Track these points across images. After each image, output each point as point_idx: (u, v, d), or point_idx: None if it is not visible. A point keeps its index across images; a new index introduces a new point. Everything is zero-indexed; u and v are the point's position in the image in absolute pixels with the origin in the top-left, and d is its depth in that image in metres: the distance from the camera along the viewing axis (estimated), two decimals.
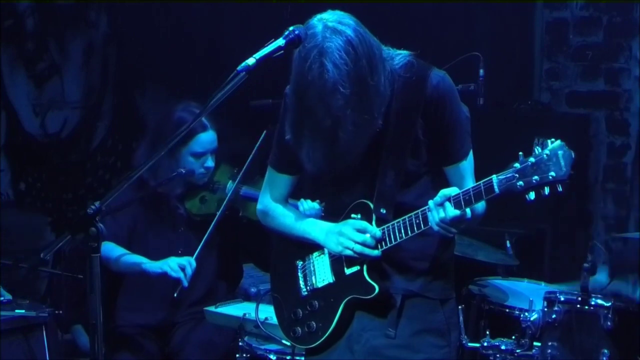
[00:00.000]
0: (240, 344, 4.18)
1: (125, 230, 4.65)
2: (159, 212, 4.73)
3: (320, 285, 3.33)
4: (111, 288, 4.76)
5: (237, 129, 5.35)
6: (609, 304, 4.27)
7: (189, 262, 4.45)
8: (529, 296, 4.42)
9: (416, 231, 3.12)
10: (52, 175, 6.20)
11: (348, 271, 3.26)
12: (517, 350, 4.29)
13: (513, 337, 4.33)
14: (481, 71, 4.56)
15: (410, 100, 3.11)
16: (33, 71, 6.09)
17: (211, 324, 4.53)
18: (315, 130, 2.97)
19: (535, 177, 2.87)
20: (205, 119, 4.52)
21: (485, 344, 4.31)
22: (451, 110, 3.15)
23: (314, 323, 3.31)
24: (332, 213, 3.35)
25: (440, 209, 3.03)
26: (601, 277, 5.08)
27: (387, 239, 3.17)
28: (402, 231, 3.14)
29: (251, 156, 4.57)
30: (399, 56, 3.13)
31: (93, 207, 2.89)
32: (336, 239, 3.24)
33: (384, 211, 3.18)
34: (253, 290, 5.06)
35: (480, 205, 3.10)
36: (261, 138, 4.48)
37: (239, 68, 2.87)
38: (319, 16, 3.01)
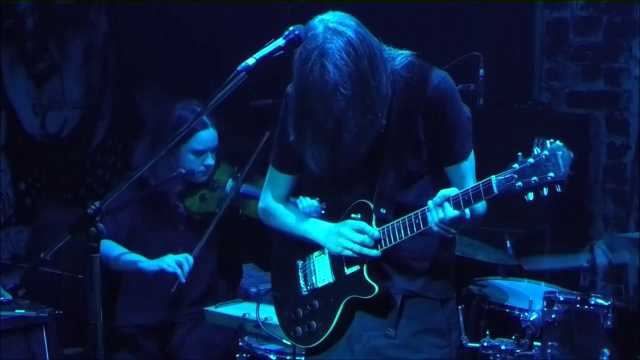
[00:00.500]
0: (240, 344, 4.19)
1: (125, 230, 4.66)
2: (159, 211, 4.73)
3: (320, 285, 3.33)
4: (111, 288, 4.76)
5: (237, 128, 5.35)
6: (609, 303, 4.28)
7: (186, 259, 4.46)
8: (529, 296, 4.42)
9: (415, 231, 3.12)
10: (52, 175, 6.19)
11: (348, 271, 3.27)
12: (517, 350, 4.29)
13: (513, 337, 4.34)
14: (481, 71, 4.57)
15: (411, 100, 3.12)
16: (33, 71, 6.08)
17: (211, 324, 4.53)
18: (318, 132, 2.97)
19: (534, 177, 2.87)
20: (206, 117, 4.53)
21: (485, 344, 4.32)
22: (452, 111, 3.15)
23: (314, 323, 3.31)
24: (333, 213, 3.35)
25: (440, 210, 3.03)
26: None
27: (387, 239, 3.17)
28: (402, 231, 3.14)
29: (253, 158, 4.56)
30: (400, 56, 3.14)
31: (93, 207, 2.89)
32: (335, 240, 3.24)
33: (384, 211, 3.18)
34: (253, 290, 5.06)
35: (481, 206, 3.10)
36: (264, 140, 4.48)
37: (239, 68, 2.87)
38: (319, 17, 3.01)
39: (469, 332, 4.48)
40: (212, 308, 4.47)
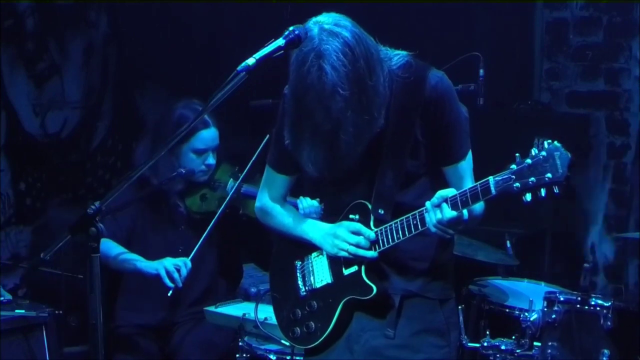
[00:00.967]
0: (240, 344, 4.19)
1: (125, 229, 4.66)
2: (159, 210, 4.73)
3: (318, 285, 3.33)
4: (111, 288, 4.76)
5: (238, 128, 5.35)
6: (609, 304, 4.28)
7: (185, 263, 4.45)
8: (529, 296, 4.42)
9: (413, 232, 3.12)
10: (52, 175, 6.19)
11: (346, 272, 3.27)
12: (517, 350, 4.29)
13: (513, 337, 4.34)
14: (481, 71, 4.57)
15: (408, 100, 3.11)
16: (33, 71, 6.08)
17: (211, 324, 4.53)
18: (316, 134, 2.97)
19: (532, 178, 2.88)
20: (207, 116, 4.53)
21: (485, 344, 4.32)
22: (450, 111, 3.15)
23: (312, 323, 3.31)
24: (331, 213, 3.35)
25: (438, 210, 3.03)
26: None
27: (385, 239, 3.17)
28: (400, 232, 3.14)
29: (253, 158, 4.57)
30: (397, 57, 3.13)
31: (93, 207, 2.89)
32: (331, 241, 3.25)
33: (382, 212, 3.18)
34: (253, 290, 5.06)
35: (479, 206, 3.10)
36: (264, 141, 4.48)
37: (239, 68, 2.87)
38: (314, 19, 3.00)
39: (469, 332, 4.48)
40: (212, 308, 4.47)
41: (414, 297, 3.26)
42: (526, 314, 4.36)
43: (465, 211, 3.01)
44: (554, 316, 4.32)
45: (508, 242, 5.18)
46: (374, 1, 5.93)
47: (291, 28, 2.95)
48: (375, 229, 3.19)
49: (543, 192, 2.88)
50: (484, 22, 6.55)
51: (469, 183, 3.13)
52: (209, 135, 4.63)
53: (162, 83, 6.45)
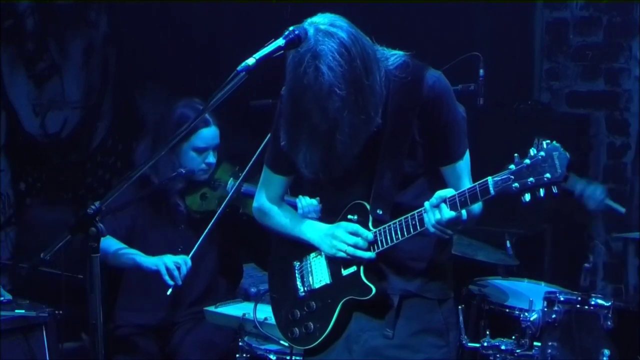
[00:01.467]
0: (240, 344, 4.19)
1: (125, 228, 4.66)
2: (159, 209, 4.73)
3: (317, 286, 3.33)
4: (111, 288, 4.76)
5: (238, 128, 5.35)
6: (609, 304, 4.28)
7: (185, 261, 4.45)
8: (529, 296, 4.42)
9: (412, 232, 3.12)
10: (52, 175, 6.19)
11: (345, 272, 3.27)
12: (517, 350, 4.29)
13: (513, 337, 4.34)
14: (481, 71, 4.56)
15: (406, 100, 3.11)
16: (33, 71, 6.08)
17: (211, 324, 4.53)
18: (313, 135, 2.97)
19: (531, 178, 2.88)
20: (208, 115, 4.53)
21: (485, 344, 4.32)
22: (447, 111, 3.15)
23: (311, 324, 3.31)
24: (330, 213, 3.35)
25: (436, 211, 3.03)
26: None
27: (383, 240, 3.17)
28: (399, 232, 3.14)
29: (254, 158, 4.56)
30: (394, 57, 3.13)
31: (93, 207, 2.89)
32: (329, 242, 3.25)
33: (381, 212, 3.18)
34: (253, 290, 5.06)
35: (477, 206, 3.10)
36: (264, 142, 4.47)
37: (239, 68, 2.87)
38: (309, 20, 3.00)
39: (469, 332, 4.48)
40: (212, 308, 4.47)
41: (412, 297, 3.26)
42: (526, 314, 4.36)
43: (464, 211, 3.02)
44: (554, 316, 4.32)
45: (508, 242, 5.18)
46: (374, 1, 5.93)
47: (291, 28, 2.95)
48: (374, 230, 3.19)
49: (542, 192, 2.88)
50: (484, 22, 6.55)
51: (466, 183, 3.13)
52: (209, 133, 4.63)
53: (162, 83, 6.45)
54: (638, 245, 5.76)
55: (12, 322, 4.44)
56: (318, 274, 3.34)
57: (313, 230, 3.34)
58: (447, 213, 3.01)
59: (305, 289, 3.36)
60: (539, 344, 4.31)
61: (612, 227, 6.50)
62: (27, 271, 5.40)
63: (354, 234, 3.20)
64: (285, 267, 3.43)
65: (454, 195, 3.01)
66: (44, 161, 6.16)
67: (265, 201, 3.46)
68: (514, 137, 5.44)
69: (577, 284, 4.89)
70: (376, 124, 3.02)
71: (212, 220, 4.54)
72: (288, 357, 4.02)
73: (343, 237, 3.22)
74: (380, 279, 3.23)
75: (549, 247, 6.34)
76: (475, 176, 3.18)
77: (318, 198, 4.13)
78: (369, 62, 2.97)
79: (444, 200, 3.02)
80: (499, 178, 2.93)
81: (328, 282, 3.31)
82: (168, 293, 4.46)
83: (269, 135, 4.42)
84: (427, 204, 3.06)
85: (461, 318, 4.27)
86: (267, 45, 2.92)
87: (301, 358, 3.71)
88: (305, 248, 3.37)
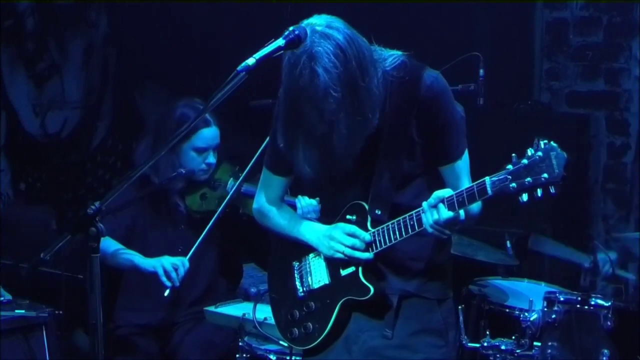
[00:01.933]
0: (240, 344, 4.19)
1: (124, 228, 4.66)
2: (159, 209, 4.74)
3: (316, 286, 3.34)
4: (111, 288, 4.76)
5: (238, 128, 5.35)
6: (609, 304, 4.28)
7: (182, 263, 4.45)
8: (529, 296, 4.42)
9: (410, 233, 3.12)
10: (52, 175, 6.20)
11: (344, 272, 3.27)
12: (517, 350, 4.29)
13: (513, 337, 4.34)
14: (481, 71, 4.56)
15: (404, 101, 3.11)
16: (33, 71, 6.09)
17: (211, 324, 4.53)
18: (309, 136, 2.98)
19: (528, 178, 2.88)
20: (208, 115, 4.53)
21: (485, 344, 4.32)
22: (445, 110, 3.15)
23: (310, 324, 3.31)
24: (329, 213, 3.35)
25: (434, 211, 3.03)
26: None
27: (382, 240, 3.17)
28: (397, 233, 3.14)
29: (253, 159, 4.56)
30: (392, 57, 3.13)
31: (93, 207, 2.89)
32: (327, 243, 3.25)
33: (379, 212, 3.18)
34: (253, 290, 5.06)
35: (476, 206, 3.10)
36: (265, 143, 4.47)
37: (239, 68, 2.87)
38: (306, 21, 3.00)
39: (469, 332, 4.48)
40: (212, 308, 4.47)
41: (411, 297, 3.26)
42: (526, 314, 4.36)
43: (461, 211, 3.02)
44: (554, 316, 4.32)
45: (508, 242, 5.18)
46: (374, 1, 5.93)
47: (291, 28, 2.95)
48: (372, 230, 3.20)
49: (539, 192, 2.88)
50: (484, 22, 6.55)
51: (465, 182, 3.13)
52: (209, 133, 4.64)
53: (162, 83, 6.46)
54: (638, 245, 5.75)
55: (12, 322, 4.44)
56: (317, 274, 3.34)
57: (311, 231, 3.34)
58: (445, 213, 3.01)
59: (305, 289, 3.36)
60: (539, 344, 4.31)
61: (612, 228, 6.51)
62: (27, 271, 5.40)
63: (352, 235, 3.21)
64: (284, 267, 3.43)
65: (452, 196, 3.01)
66: (44, 161, 6.17)
67: (264, 202, 3.46)
68: (514, 137, 5.43)
69: (577, 284, 4.89)
70: (373, 125, 3.02)
71: (212, 221, 4.54)
72: (288, 358, 4.02)
73: (340, 238, 3.22)
74: (379, 279, 3.23)
75: None
76: (475, 176, 3.18)
77: (318, 198, 4.13)
78: (365, 63, 2.96)
79: (442, 201, 3.02)
80: (497, 178, 2.94)
81: (327, 282, 3.31)
82: (165, 294, 4.47)
83: (267, 139, 4.44)
84: (425, 204, 3.06)
85: (461, 318, 4.27)
86: (267, 45, 2.92)
87: (300, 358, 3.71)
88: (305, 248, 3.37)
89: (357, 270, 3.23)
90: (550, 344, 4.30)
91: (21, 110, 6.05)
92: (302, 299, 3.36)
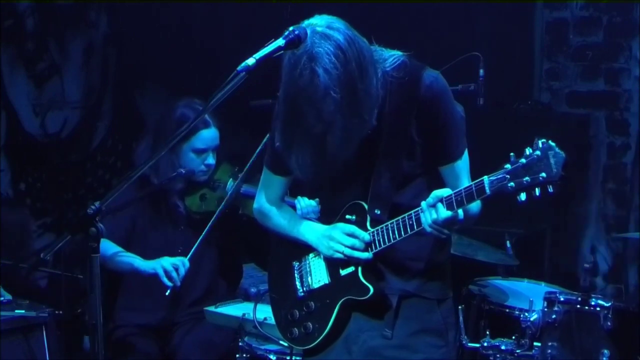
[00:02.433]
0: (240, 344, 4.19)
1: (124, 229, 4.66)
2: (159, 210, 4.74)
3: (316, 286, 3.34)
4: (111, 288, 4.76)
5: (237, 128, 5.35)
6: (609, 304, 4.28)
7: (182, 263, 4.46)
8: (529, 296, 4.42)
9: (409, 232, 3.12)
10: (52, 175, 6.20)
11: (343, 272, 3.27)
12: (517, 350, 4.29)
13: (513, 337, 4.34)
14: (481, 71, 4.56)
15: (403, 101, 3.11)
16: (33, 71, 6.09)
17: (211, 324, 4.53)
18: (306, 136, 2.98)
19: (527, 178, 2.88)
20: (208, 116, 4.53)
21: (485, 344, 4.32)
22: (445, 110, 3.15)
23: (310, 324, 3.32)
24: (329, 213, 3.36)
25: (433, 210, 3.03)
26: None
27: (381, 240, 3.18)
28: (396, 232, 3.14)
29: (252, 159, 4.56)
30: (392, 57, 3.13)
31: (93, 207, 2.89)
32: (326, 243, 3.26)
33: (379, 212, 3.18)
34: (253, 290, 5.06)
35: (475, 206, 3.10)
36: (263, 142, 4.47)
37: (239, 68, 2.87)
38: (306, 22, 3.00)
39: (469, 332, 4.48)
40: (212, 308, 4.47)
41: (411, 297, 3.26)
42: (526, 314, 4.36)
43: (460, 211, 3.02)
44: (554, 316, 4.32)
45: (508, 242, 5.18)
46: (374, 1, 5.93)
47: (291, 28, 2.95)
48: (372, 230, 3.20)
49: (537, 191, 2.88)
50: (484, 22, 6.55)
51: (465, 182, 3.13)
52: (209, 135, 4.64)
53: (162, 83, 6.46)
54: (638, 245, 5.76)
55: (12, 322, 4.44)
56: (317, 274, 3.34)
57: (311, 232, 3.34)
58: (444, 213, 3.01)
59: (304, 289, 3.36)
60: (539, 344, 4.31)
61: (612, 228, 6.51)
62: (27, 271, 5.40)
63: (351, 235, 3.21)
64: (284, 267, 3.44)
65: (451, 195, 3.01)
66: (44, 161, 6.17)
67: (265, 202, 3.46)
68: (514, 137, 5.43)
69: (577, 284, 4.89)
70: (370, 126, 3.02)
71: (211, 221, 4.54)
72: (288, 358, 4.02)
73: (340, 238, 3.22)
74: (379, 279, 3.23)
75: (549, 247, 6.34)
76: (475, 176, 3.17)
77: (317, 199, 4.13)
78: (365, 64, 2.96)
79: (441, 200, 3.02)
80: (495, 177, 2.94)
81: (327, 282, 3.31)
82: (167, 294, 4.47)
83: (266, 137, 4.44)
84: (423, 203, 3.06)
85: (461, 318, 4.27)
86: (267, 45, 2.92)
87: (301, 358, 3.71)
88: (304, 248, 3.37)
89: (356, 270, 3.23)
90: (550, 344, 4.30)
91: (21, 110, 6.05)
92: (302, 299, 3.36)
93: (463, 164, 3.20)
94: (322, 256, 3.33)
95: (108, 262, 4.51)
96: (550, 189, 2.87)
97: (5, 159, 5.96)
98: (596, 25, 6.61)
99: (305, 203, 4.41)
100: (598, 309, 4.29)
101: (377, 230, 3.18)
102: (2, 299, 4.57)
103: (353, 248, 3.20)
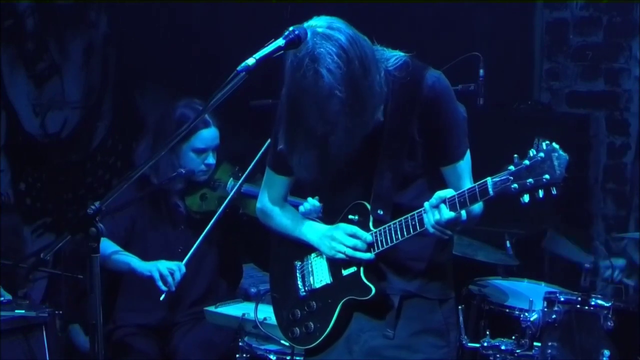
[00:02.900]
0: (240, 344, 4.19)
1: (123, 228, 4.66)
2: (159, 209, 4.74)
3: (318, 286, 3.34)
4: (110, 288, 4.76)
5: (238, 128, 5.35)
6: (609, 304, 4.28)
7: (179, 267, 4.45)
8: (529, 296, 4.42)
9: (412, 233, 3.12)
10: (52, 175, 6.20)
11: (345, 272, 3.27)
12: (517, 351, 4.29)
13: (513, 337, 4.34)
14: (481, 71, 4.55)
15: (406, 101, 3.11)
16: (33, 71, 6.09)
17: (211, 324, 4.53)
18: (309, 137, 2.98)
19: (530, 179, 2.88)
20: (208, 116, 4.53)
21: (485, 344, 4.32)
22: (447, 110, 3.15)
23: (311, 324, 3.32)
24: (331, 213, 3.35)
25: (436, 211, 3.03)
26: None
27: (383, 240, 3.17)
28: (398, 233, 3.14)
29: (254, 161, 4.56)
30: (394, 57, 3.13)
31: (93, 207, 2.89)
32: (328, 243, 3.26)
33: (382, 212, 3.18)
34: (253, 290, 5.06)
35: (477, 207, 3.10)
36: (266, 145, 4.46)
37: (239, 68, 2.87)
38: (306, 24, 3.00)
39: (469, 332, 4.48)
40: (212, 308, 4.47)
41: (413, 297, 3.26)
42: (526, 314, 4.36)
43: (463, 212, 3.02)
44: (554, 316, 4.32)
45: (508, 242, 5.18)
46: (374, 1, 5.93)
47: (291, 28, 2.95)
48: (374, 230, 3.20)
49: (541, 193, 2.88)
50: (484, 22, 6.55)
51: (467, 183, 3.13)
52: (209, 134, 4.64)
53: (162, 83, 6.46)
54: (638, 245, 5.75)
55: (12, 322, 4.44)
56: (319, 274, 3.34)
57: (313, 232, 3.34)
58: (447, 213, 3.01)
59: (306, 288, 3.36)
60: (539, 344, 4.31)
61: (612, 228, 6.51)
62: (27, 271, 5.40)
63: (353, 235, 3.21)
64: (286, 266, 3.44)
65: (454, 196, 3.01)
66: (44, 161, 6.17)
67: (267, 202, 3.46)
68: (514, 137, 5.43)
69: (577, 284, 4.88)
70: (372, 125, 3.02)
71: (212, 221, 4.54)
72: (288, 357, 4.02)
73: (341, 238, 3.22)
74: (380, 279, 3.23)
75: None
76: (475, 176, 3.18)
77: (317, 197, 4.13)
78: (367, 63, 2.96)
79: (444, 201, 3.02)
80: (498, 179, 2.94)
81: (328, 282, 3.31)
82: (161, 299, 4.47)
83: (268, 141, 4.44)
84: (426, 204, 3.06)
85: (461, 318, 4.27)
86: (267, 45, 2.92)
87: (302, 358, 3.71)
88: (307, 248, 3.37)
89: (358, 270, 3.23)
90: (550, 344, 4.30)
91: (21, 110, 6.05)
92: (304, 299, 3.36)
93: (465, 165, 3.20)
94: (324, 256, 3.33)
95: (106, 262, 4.51)
96: (554, 191, 2.87)
97: (5, 159, 5.96)
98: (596, 25, 6.61)
99: (309, 204, 4.40)
100: (598, 309, 4.29)
101: (380, 230, 3.18)
102: (2, 299, 4.56)
103: (355, 249, 3.20)
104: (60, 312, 4.60)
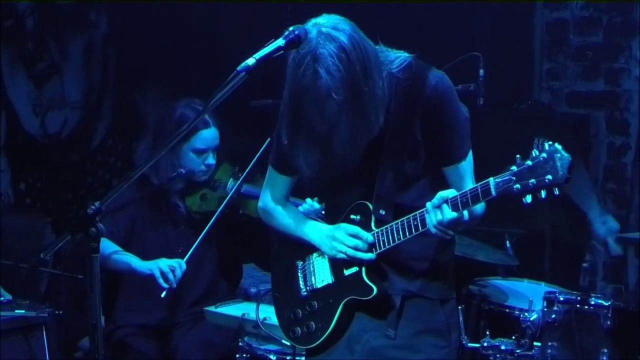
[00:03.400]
0: (240, 344, 4.19)
1: (123, 228, 4.66)
2: (159, 210, 4.74)
3: (319, 285, 3.34)
4: (110, 288, 4.76)
5: (238, 128, 5.35)
6: (609, 304, 4.27)
7: (179, 264, 4.46)
8: (529, 296, 4.42)
9: (414, 233, 3.12)
10: (52, 175, 6.20)
11: (347, 272, 3.27)
12: (517, 351, 4.29)
13: (513, 337, 4.34)
14: (481, 71, 4.56)
15: (408, 101, 3.11)
16: (33, 71, 6.09)
17: (211, 324, 4.53)
18: (311, 136, 2.98)
19: (532, 180, 2.88)
20: (208, 116, 4.54)
21: (485, 344, 4.32)
22: (450, 111, 3.15)
23: (313, 323, 3.32)
24: (333, 214, 3.36)
25: (438, 211, 3.03)
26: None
27: (385, 240, 3.17)
28: (400, 233, 3.14)
29: (254, 160, 4.56)
30: (398, 59, 3.13)
31: (93, 207, 2.89)
32: (330, 243, 3.26)
33: (384, 212, 3.18)
34: (253, 290, 5.06)
35: (479, 207, 3.10)
36: (265, 144, 4.46)
37: (239, 68, 2.87)
38: (313, 21, 3.01)
39: (469, 332, 4.48)
40: (212, 308, 4.47)
41: (414, 297, 3.26)
42: (526, 314, 4.36)
43: (465, 212, 3.02)
44: (553, 316, 4.32)
45: (508, 242, 5.18)
46: (374, 1, 5.93)
47: (291, 28, 2.95)
48: (376, 230, 3.20)
49: (543, 193, 2.88)
50: (484, 22, 6.55)
51: (469, 183, 3.13)
52: (209, 135, 4.64)
53: (162, 83, 6.46)
54: (638, 245, 5.75)
55: (12, 322, 4.44)
56: (320, 273, 3.34)
57: (314, 231, 3.34)
58: (449, 214, 3.01)
59: (308, 288, 3.36)
60: (539, 344, 4.31)
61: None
62: (27, 271, 5.41)
63: (354, 236, 3.21)
64: (288, 266, 3.44)
65: (456, 196, 3.01)
66: (44, 161, 6.17)
67: (269, 201, 3.47)
68: (514, 137, 5.44)
69: (577, 284, 4.88)
70: (376, 128, 3.02)
71: (211, 221, 4.54)
72: (289, 357, 4.02)
73: (343, 239, 3.22)
74: (382, 279, 3.23)
75: (549, 247, 6.33)
76: (475, 176, 3.18)
77: (317, 199, 4.14)
78: (369, 67, 2.96)
79: (446, 201, 3.02)
80: (501, 179, 2.94)
81: (330, 282, 3.31)
82: (162, 295, 4.46)
83: (267, 141, 4.45)
84: (428, 204, 3.06)
85: (461, 318, 4.27)
86: (267, 45, 2.92)
87: (303, 358, 3.71)
88: (308, 248, 3.37)
89: (360, 270, 3.23)
90: (550, 344, 4.30)
91: (21, 110, 6.05)
92: (305, 298, 3.36)
93: (467, 165, 3.20)
94: (325, 256, 3.33)
95: (106, 262, 4.51)
96: (556, 192, 2.87)
97: (5, 159, 5.96)
98: (596, 25, 6.60)
99: (307, 205, 4.40)
100: (598, 308, 4.29)
101: (382, 230, 3.18)
102: (2, 299, 4.57)
103: (356, 249, 3.20)
104: (60, 312, 4.60)
